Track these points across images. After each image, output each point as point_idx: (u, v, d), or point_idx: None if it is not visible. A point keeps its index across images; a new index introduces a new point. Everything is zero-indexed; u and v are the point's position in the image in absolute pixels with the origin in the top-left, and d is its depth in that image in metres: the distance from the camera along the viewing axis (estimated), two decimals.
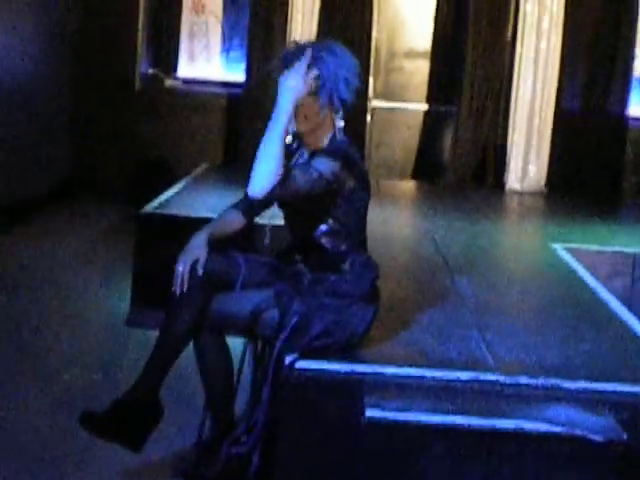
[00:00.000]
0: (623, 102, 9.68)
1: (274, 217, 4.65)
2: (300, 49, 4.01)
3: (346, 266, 4.15)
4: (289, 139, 4.36)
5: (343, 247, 4.16)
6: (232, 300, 4.13)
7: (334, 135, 4.15)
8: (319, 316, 4.01)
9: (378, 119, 9.98)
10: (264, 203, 4.30)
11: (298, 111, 3.97)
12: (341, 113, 4.15)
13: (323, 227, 4.14)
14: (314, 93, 3.98)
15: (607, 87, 9.67)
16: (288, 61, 3.97)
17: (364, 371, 3.93)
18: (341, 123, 4.16)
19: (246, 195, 4.13)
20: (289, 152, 4.16)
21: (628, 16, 9.61)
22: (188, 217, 6.56)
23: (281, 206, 4.27)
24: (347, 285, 4.10)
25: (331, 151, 4.06)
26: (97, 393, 5.02)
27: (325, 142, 4.13)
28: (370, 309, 4.16)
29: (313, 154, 4.11)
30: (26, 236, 8.49)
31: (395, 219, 7.88)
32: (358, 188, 4.11)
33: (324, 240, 4.16)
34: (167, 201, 7.15)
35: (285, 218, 4.34)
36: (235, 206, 4.38)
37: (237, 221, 4.34)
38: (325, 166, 3.94)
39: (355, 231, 4.21)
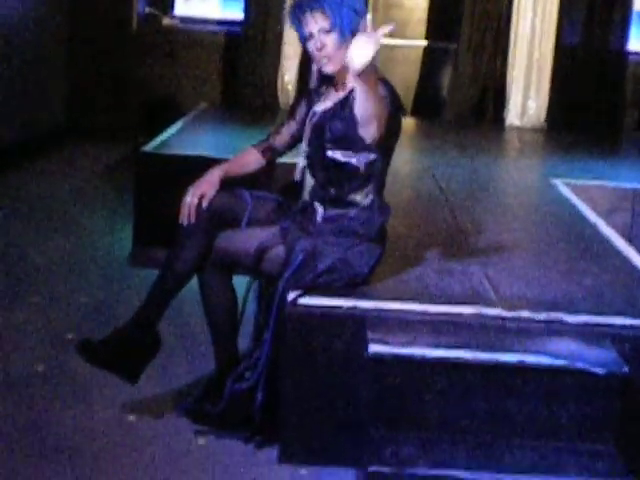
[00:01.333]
0: (623, 37, 9.64)
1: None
2: None
3: (362, 205, 4.15)
4: (313, 84, 4.36)
5: (366, 188, 4.16)
6: (238, 236, 4.14)
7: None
8: (325, 253, 4.02)
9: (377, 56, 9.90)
10: (289, 144, 4.39)
11: (319, 54, 4.02)
12: None
13: (353, 162, 4.11)
14: (327, 30, 3.98)
15: (607, 22, 9.62)
16: (298, 10, 4.04)
17: (367, 307, 3.95)
18: None
19: (268, 136, 4.34)
20: (318, 97, 4.29)
21: None
22: (187, 156, 6.55)
23: (310, 144, 4.24)
24: (357, 225, 4.11)
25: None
26: (95, 327, 5.04)
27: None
28: (377, 250, 4.16)
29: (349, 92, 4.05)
30: (28, 175, 8.50)
31: (395, 156, 7.86)
32: (393, 129, 4.13)
33: (350, 168, 4.12)
34: (167, 140, 7.13)
35: (309, 145, 4.27)
36: (256, 146, 4.39)
37: (255, 161, 4.38)
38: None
39: (379, 173, 4.21)
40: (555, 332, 3.92)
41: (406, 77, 9.97)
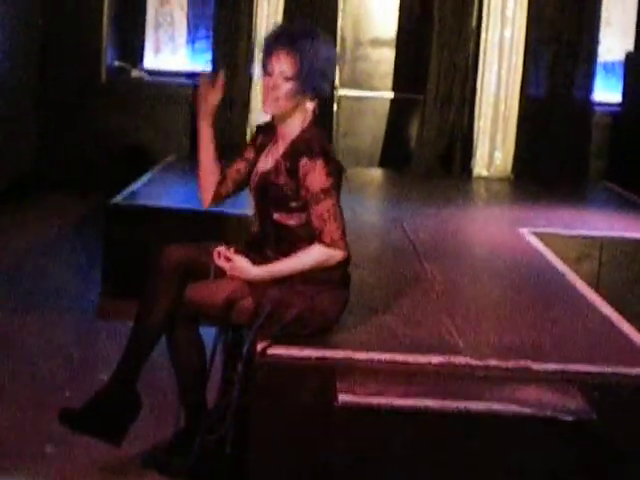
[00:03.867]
0: (588, 88, 9.71)
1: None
2: (283, 32, 4.08)
3: None
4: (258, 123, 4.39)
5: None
6: (206, 288, 4.12)
7: (309, 125, 4.14)
8: (292, 303, 4.01)
9: (345, 107, 9.97)
10: (235, 181, 4.35)
11: (269, 92, 4.01)
12: (315, 102, 4.14)
13: (296, 217, 4.11)
14: (288, 77, 3.97)
15: (572, 73, 9.70)
16: (269, 45, 4.05)
17: (336, 357, 3.96)
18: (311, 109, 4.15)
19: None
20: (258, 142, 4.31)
21: (592, 2, 9.65)
22: (157, 207, 6.57)
23: (256, 204, 4.26)
24: (319, 273, 4.08)
25: (309, 148, 4.04)
26: (68, 385, 5.02)
27: (297, 130, 4.11)
28: (342, 295, 4.17)
29: (289, 147, 4.11)
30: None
31: (363, 207, 7.89)
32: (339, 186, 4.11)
33: (297, 229, 4.12)
34: (135, 192, 7.15)
35: (255, 206, 4.27)
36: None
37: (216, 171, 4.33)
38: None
39: None
40: (523, 380, 3.93)
41: (373, 128, 10.02)
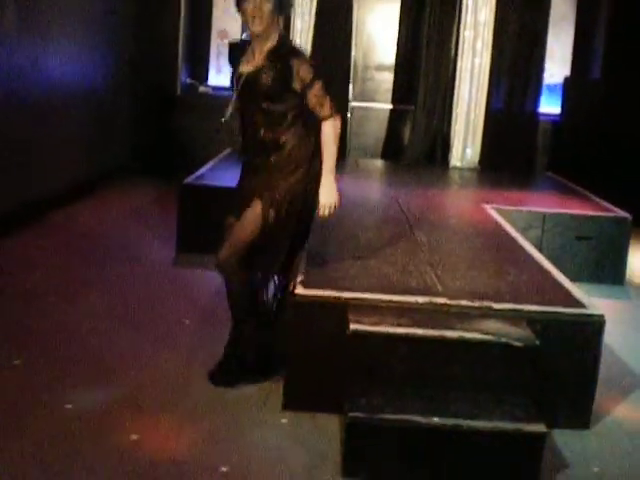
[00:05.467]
0: (536, 103, 9.63)
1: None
2: None
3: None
4: (244, 36, 4.29)
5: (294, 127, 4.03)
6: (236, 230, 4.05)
7: (282, 36, 4.04)
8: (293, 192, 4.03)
9: (356, 115, 9.94)
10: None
11: (254, 15, 3.86)
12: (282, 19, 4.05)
13: (281, 104, 3.96)
14: (268, 1, 3.87)
15: (524, 92, 9.61)
16: None
17: (348, 296, 3.95)
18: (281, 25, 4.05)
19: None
20: (242, 48, 4.10)
21: (539, 40, 9.55)
22: (216, 186, 6.57)
23: (241, 92, 4.03)
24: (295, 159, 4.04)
25: (294, 51, 3.99)
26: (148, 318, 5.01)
27: (274, 42, 3.98)
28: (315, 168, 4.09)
29: (271, 52, 3.97)
30: (100, 200, 8.51)
31: (369, 188, 7.88)
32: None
33: (283, 112, 3.97)
34: (202, 175, 7.15)
35: (242, 103, 4.05)
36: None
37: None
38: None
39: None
40: (485, 315, 3.92)
41: (376, 131, 9.98)
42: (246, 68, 4.01)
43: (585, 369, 3.96)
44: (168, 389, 4.07)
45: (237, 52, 4.11)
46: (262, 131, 4.00)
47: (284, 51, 3.96)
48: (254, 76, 3.96)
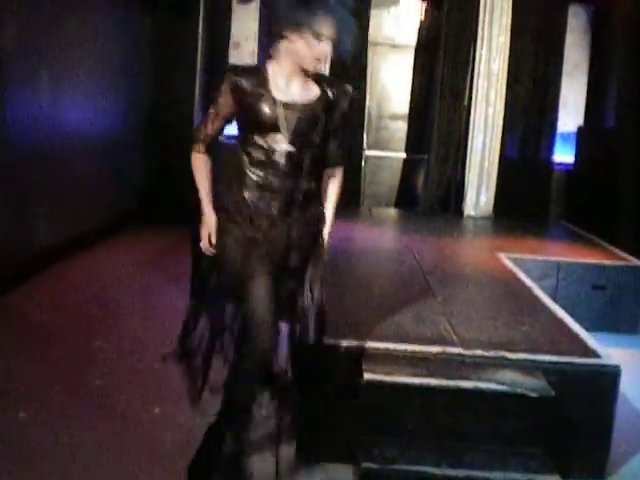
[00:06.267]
0: (550, 151, 9.70)
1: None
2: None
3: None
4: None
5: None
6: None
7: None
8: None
9: (370, 164, 10.02)
10: (217, 135, 3.62)
11: (321, 57, 3.32)
12: None
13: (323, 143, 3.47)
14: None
15: (538, 140, 9.68)
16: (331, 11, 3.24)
17: (362, 346, 3.94)
18: None
19: (197, 137, 3.62)
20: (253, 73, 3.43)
21: (553, 89, 9.64)
22: None
23: (296, 133, 3.38)
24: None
25: (335, 80, 3.52)
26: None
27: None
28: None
29: (316, 80, 3.45)
30: (114, 246, 8.53)
31: (383, 236, 7.90)
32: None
33: (324, 153, 3.52)
34: None
35: (294, 137, 3.36)
36: (199, 151, 3.64)
37: (209, 164, 3.66)
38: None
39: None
40: (501, 366, 3.91)
41: (391, 179, 10.06)
42: (286, 97, 3.38)
43: (601, 419, 3.93)
44: (182, 440, 4.05)
45: (248, 77, 3.39)
46: (304, 179, 3.45)
47: (327, 78, 3.52)
48: (313, 107, 3.40)
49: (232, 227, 3.47)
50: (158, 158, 10.03)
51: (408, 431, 3.71)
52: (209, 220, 3.54)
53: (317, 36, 3.25)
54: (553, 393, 3.70)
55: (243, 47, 10.27)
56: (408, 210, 9.69)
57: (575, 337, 4.39)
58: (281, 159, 3.36)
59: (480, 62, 9.49)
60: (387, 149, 10.19)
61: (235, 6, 10.14)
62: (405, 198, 9.95)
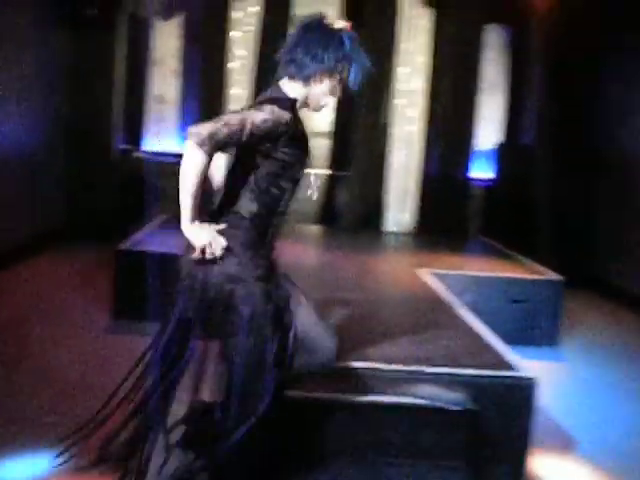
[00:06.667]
0: (466, 169, 9.84)
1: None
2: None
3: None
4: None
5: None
6: None
7: None
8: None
9: None
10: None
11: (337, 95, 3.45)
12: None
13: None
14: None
15: (458, 157, 9.80)
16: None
17: None
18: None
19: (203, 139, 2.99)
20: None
21: (471, 107, 9.78)
22: (153, 252, 6.53)
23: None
24: None
25: None
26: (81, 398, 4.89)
27: None
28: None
29: None
30: (36, 265, 8.37)
31: (305, 253, 7.91)
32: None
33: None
34: (138, 241, 7.11)
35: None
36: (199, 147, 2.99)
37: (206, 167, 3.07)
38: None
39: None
40: (420, 380, 3.94)
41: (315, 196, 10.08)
42: (302, 128, 3.37)
43: (518, 431, 3.99)
44: None
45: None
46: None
47: None
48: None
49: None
50: (79, 174, 9.90)
51: (330, 447, 3.70)
52: (203, 227, 3.16)
53: (341, 81, 3.33)
54: (472, 406, 3.74)
55: (165, 64, 10.22)
56: (331, 227, 9.71)
57: (493, 351, 4.45)
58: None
59: (400, 80, 9.60)
60: (311, 166, 10.21)
61: (156, 23, 10.08)
62: (328, 215, 9.97)
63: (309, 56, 3.26)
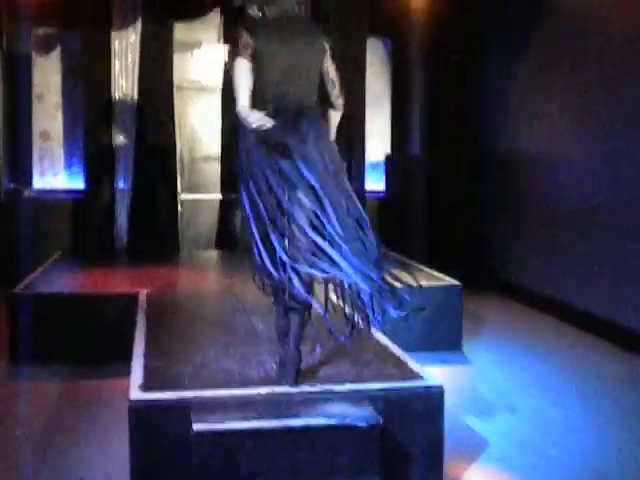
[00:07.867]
0: (360, 180, 9.92)
1: None
2: None
3: None
4: None
5: None
6: None
7: None
8: None
9: (186, 207, 9.93)
10: None
11: None
12: None
13: None
14: None
15: (348, 170, 9.83)
16: None
17: (189, 396, 3.86)
18: None
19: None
20: None
21: (359, 119, 9.89)
22: (50, 293, 6.39)
23: None
24: None
25: None
26: None
27: None
28: None
29: None
30: None
31: (204, 279, 7.85)
32: None
33: None
34: (32, 283, 6.90)
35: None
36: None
37: None
38: None
39: None
40: (329, 399, 3.93)
41: (209, 221, 10.02)
42: None
43: (431, 439, 4.01)
44: None
45: None
46: None
47: None
48: None
49: None
50: None
51: (243, 477, 3.65)
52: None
53: None
54: (381, 420, 3.74)
55: (46, 98, 9.99)
56: (229, 251, 9.65)
57: (399, 361, 4.48)
58: None
59: None
60: (202, 191, 10.14)
61: (35, 57, 9.85)
62: (224, 239, 9.91)
63: None
